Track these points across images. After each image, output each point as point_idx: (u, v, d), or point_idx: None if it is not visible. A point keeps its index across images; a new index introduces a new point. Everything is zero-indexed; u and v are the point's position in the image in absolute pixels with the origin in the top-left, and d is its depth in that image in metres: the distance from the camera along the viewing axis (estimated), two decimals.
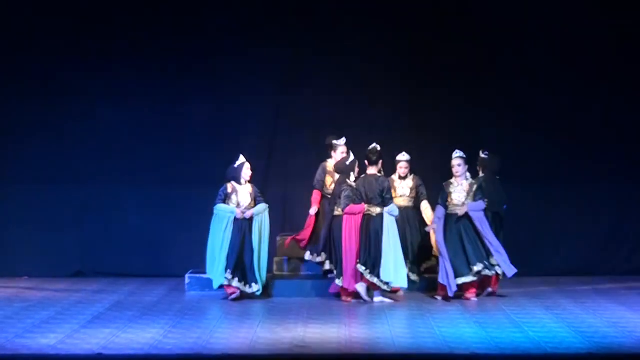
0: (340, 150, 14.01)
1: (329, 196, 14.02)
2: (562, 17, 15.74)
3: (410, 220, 14.25)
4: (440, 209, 13.69)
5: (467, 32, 15.74)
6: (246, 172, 13.98)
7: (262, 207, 13.93)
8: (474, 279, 13.55)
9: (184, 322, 12.06)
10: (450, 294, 13.44)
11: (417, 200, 14.32)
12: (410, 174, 14.23)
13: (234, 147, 15.22)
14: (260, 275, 13.81)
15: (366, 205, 13.50)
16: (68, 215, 15.71)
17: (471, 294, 13.60)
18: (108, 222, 15.75)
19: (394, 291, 13.57)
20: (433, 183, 14.21)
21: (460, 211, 13.62)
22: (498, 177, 14.33)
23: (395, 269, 13.41)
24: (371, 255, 13.42)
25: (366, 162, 13.70)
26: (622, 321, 12.05)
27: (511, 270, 13.64)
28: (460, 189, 13.75)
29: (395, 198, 13.91)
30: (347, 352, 10.61)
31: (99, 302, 13.50)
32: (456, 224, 13.67)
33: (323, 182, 14.26)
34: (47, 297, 13.92)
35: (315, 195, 14.25)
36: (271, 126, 15.87)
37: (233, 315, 12.64)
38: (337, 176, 13.85)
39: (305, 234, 14.23)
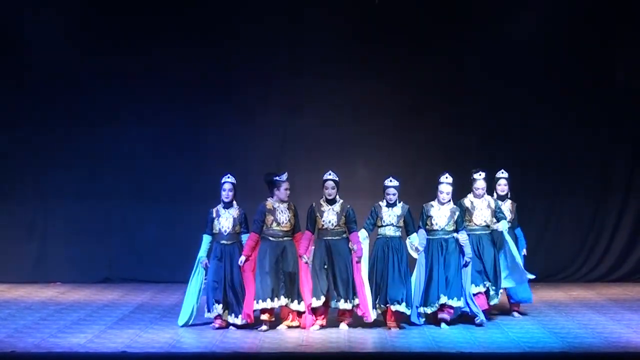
0: (283, 187, 11.77)
1: (271, 238, 11.71)
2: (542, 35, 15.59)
3: (395, 251, 11.65)
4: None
5: (459, 59, 15.62)
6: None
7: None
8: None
9: (199, 324, 11.91)
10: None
11: (403, 231, 11.85)
12: (400, 202, 11.76)
13: (244, 167, 15.28)
14: None
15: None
16: (97, 228, 15.70)
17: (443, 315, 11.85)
18: (132, 234, 15.72)
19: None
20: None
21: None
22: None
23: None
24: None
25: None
26: (592, 323, 12.04)
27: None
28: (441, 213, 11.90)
29: (380, 227, 11.71)
30: (346, 350, 10.51)
31: (124, 305, 13.45)
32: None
33: (263, 222, 11.75)
34: (77, 300, 13.86)
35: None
36: (278, 147, 15.77)
37: None
38: (278, 215, 11.65)
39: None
